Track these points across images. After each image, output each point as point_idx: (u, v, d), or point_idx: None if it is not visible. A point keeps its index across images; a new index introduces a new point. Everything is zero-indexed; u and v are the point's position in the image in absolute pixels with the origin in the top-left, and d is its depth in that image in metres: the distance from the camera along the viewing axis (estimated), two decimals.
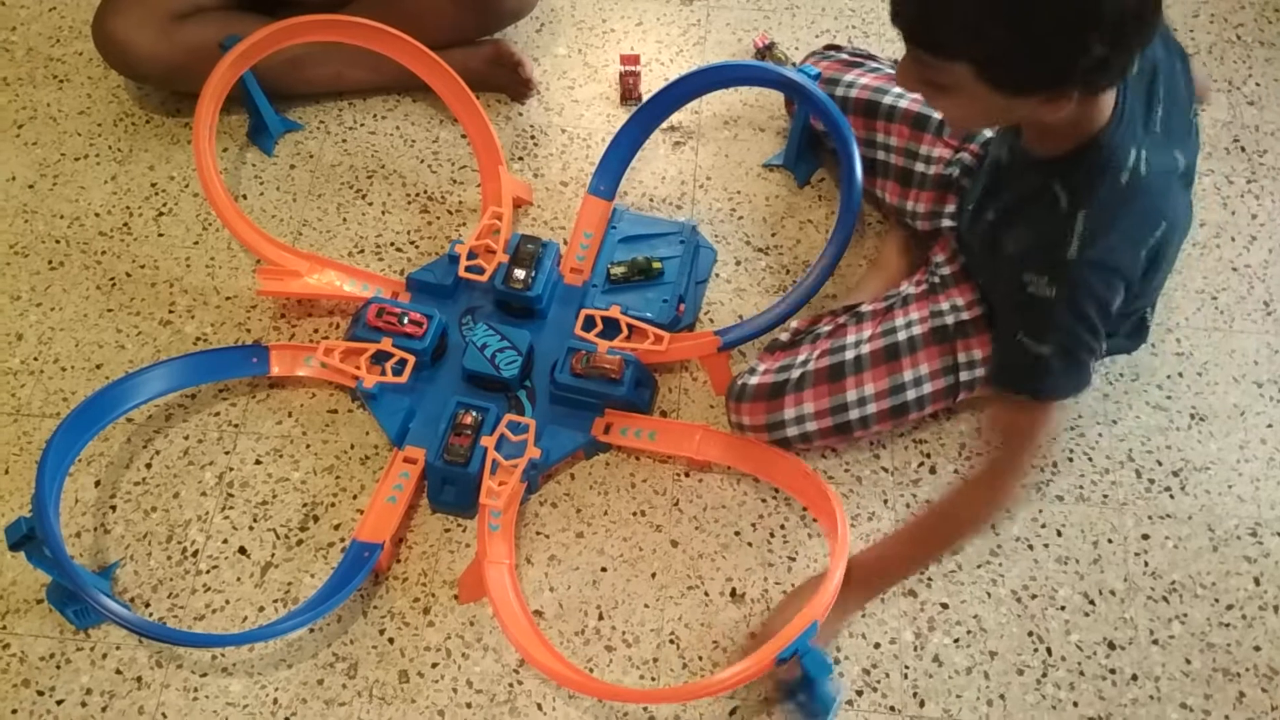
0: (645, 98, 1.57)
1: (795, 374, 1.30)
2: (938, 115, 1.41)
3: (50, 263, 1.53)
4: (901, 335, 1.29)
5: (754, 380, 1.31)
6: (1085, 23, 0.88)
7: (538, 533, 1.32)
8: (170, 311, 1.49)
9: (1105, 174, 1.02)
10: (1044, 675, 1.23)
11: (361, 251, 1.55)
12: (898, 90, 1.45)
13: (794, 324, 1.36)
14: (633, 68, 1.68)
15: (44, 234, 1.56)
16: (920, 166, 1.41)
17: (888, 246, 1.50)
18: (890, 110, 1.43)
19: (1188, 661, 1.24)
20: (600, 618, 1.26)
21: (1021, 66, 0.93)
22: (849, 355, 1.29)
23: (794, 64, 1.64)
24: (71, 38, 1.79)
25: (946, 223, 1.37)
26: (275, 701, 1.20)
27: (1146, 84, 1.07)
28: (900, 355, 1.28)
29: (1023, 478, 1.17)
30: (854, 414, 1.29)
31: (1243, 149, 1.67)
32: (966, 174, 1.35)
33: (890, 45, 1.78)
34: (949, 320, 1.29)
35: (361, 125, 1.69)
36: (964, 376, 1.29)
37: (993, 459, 1.18)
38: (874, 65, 1.51)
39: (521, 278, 1.43)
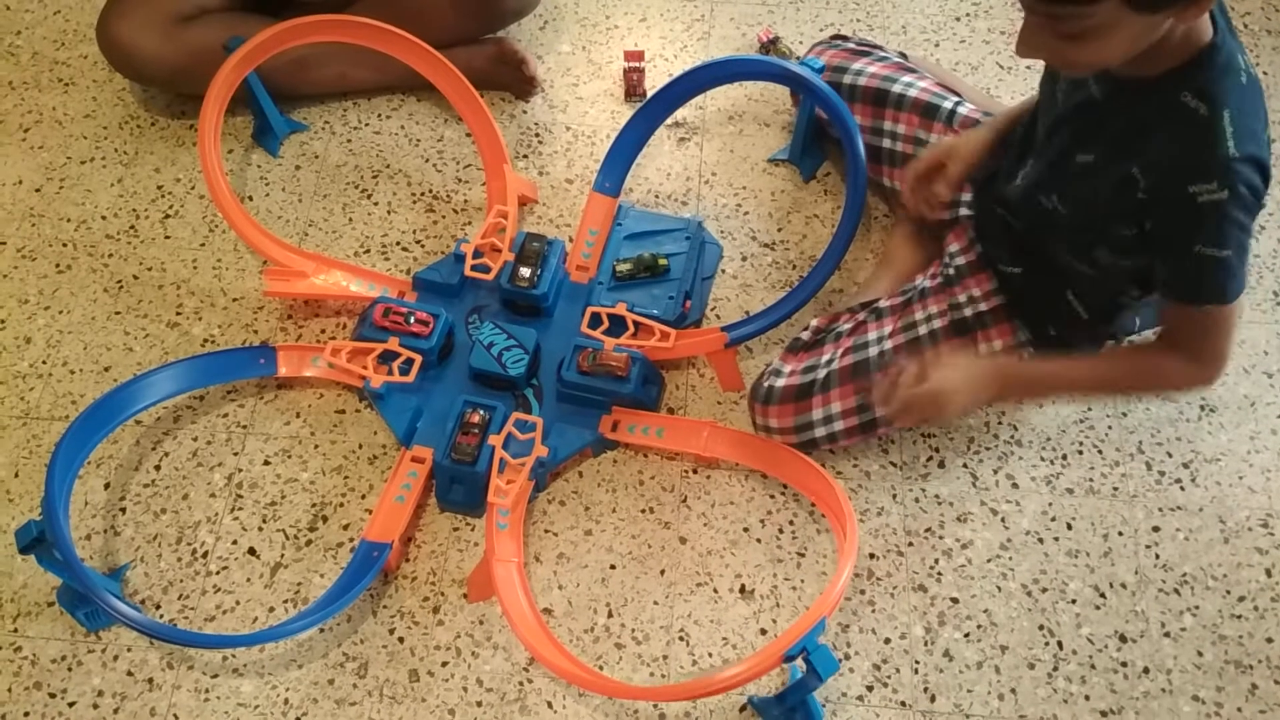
0: (649, 94, 1.57)
1: (821, 374, 1.29)
2: (948, 104, 1.40)
3: (58, 266, 1.54)
4: (922, 330, 1.29)
5: (781, 382, 1.31)
6: None
7: (546, 531, 1.32)
8: (178, 313, 1.49)
9: (1229, 75, 1.03)
10: (1055, 669, 1.23)
11: (367, 251, 1.55)
12: (907, 79, 1.44)
13: (814, 323, 1.36)
14: (636, 64, 1.67)
15: (51, 237, 1.57)
16: None
17: (895, 240, 1.49)
18: (900, 99, 1.43)
19: (1199, 654, 1.24)
20: (609, 615, 1.26)
21: None
22: (873, 352, 1.29)
23: (798, 58, 1.63)
24: (76, 41, 1.79)
25: (963, 210, 1.37)
26: (286, 701, 1.21)
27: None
28: (923, 349, 1.28)
29: (1214, 376, 1.18)
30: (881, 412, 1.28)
31: None
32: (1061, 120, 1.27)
33: (894, 38, 1.77)
34: (968, 312, 1.28)
35: (366, 125, 1.69)
36: None
37: (1188, 351, 1.16)
38: (881, 54, 1.51)
39: (527, 276, 1.43)
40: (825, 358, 1.31)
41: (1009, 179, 1.27)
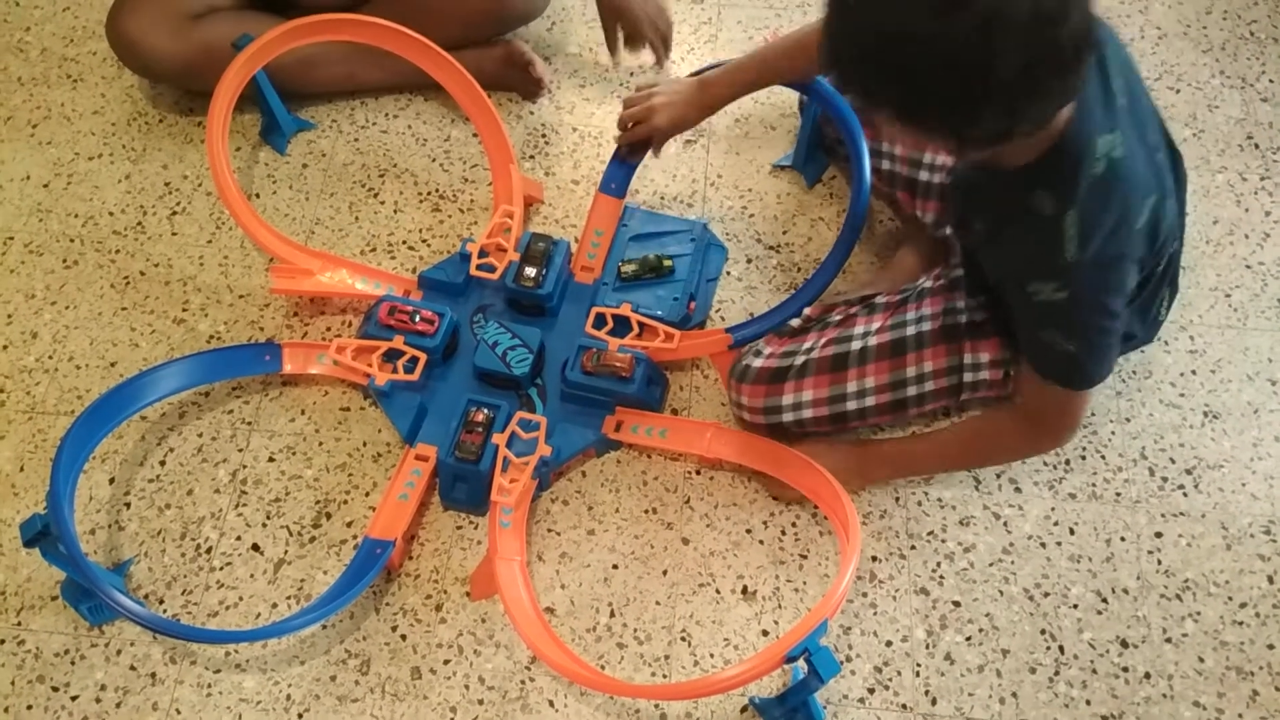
0: (671, 70, 1.55)
1: (799, 360, 1.29)
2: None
3: (65, 261, 1.54)
4: (910, 330, 1.28)
5: (758, 363, 1.31)
6: (972, 97, 0.87)
7: (549, 530, 1.32)
8: (184, 310, 1.49)
9: (1080, 169, 1.00)
10: (1056, 673, 1.23)
11: (374, 250, 1.55)
12: None
13: (807, 310, 1.36)
14: None
15: (58, 233, 1.57)
16: (924, 175, 1.39)
17: (906, 244, 1.49)
18: None
19: (1201, 660, 1.24)
20: (612, 615, 1.27)
21: (925, 126, 0.94)
22: (854, 346, 1.28)
23: None
24: (85, 38, 1.80)
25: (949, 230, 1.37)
26: (288, 698, 1.21)
27: (1097, 69, 1.03)
28: (906, 350, 1.27)
29: (1054, 446, 1.28)
30: (852, 405, 1.28)
31: (1256, 145, 1.66)
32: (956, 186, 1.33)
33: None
34: (961, 319, 1.27)
35: (373, 124, 1.69)
36: (968, 378, 1.27)
37: (1029, 414, 1.21)
38: None
39: (532, 276, 1.43)
40: (806, 345, 1.30)
41: (950, 221, 1.34)
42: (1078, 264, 1.02)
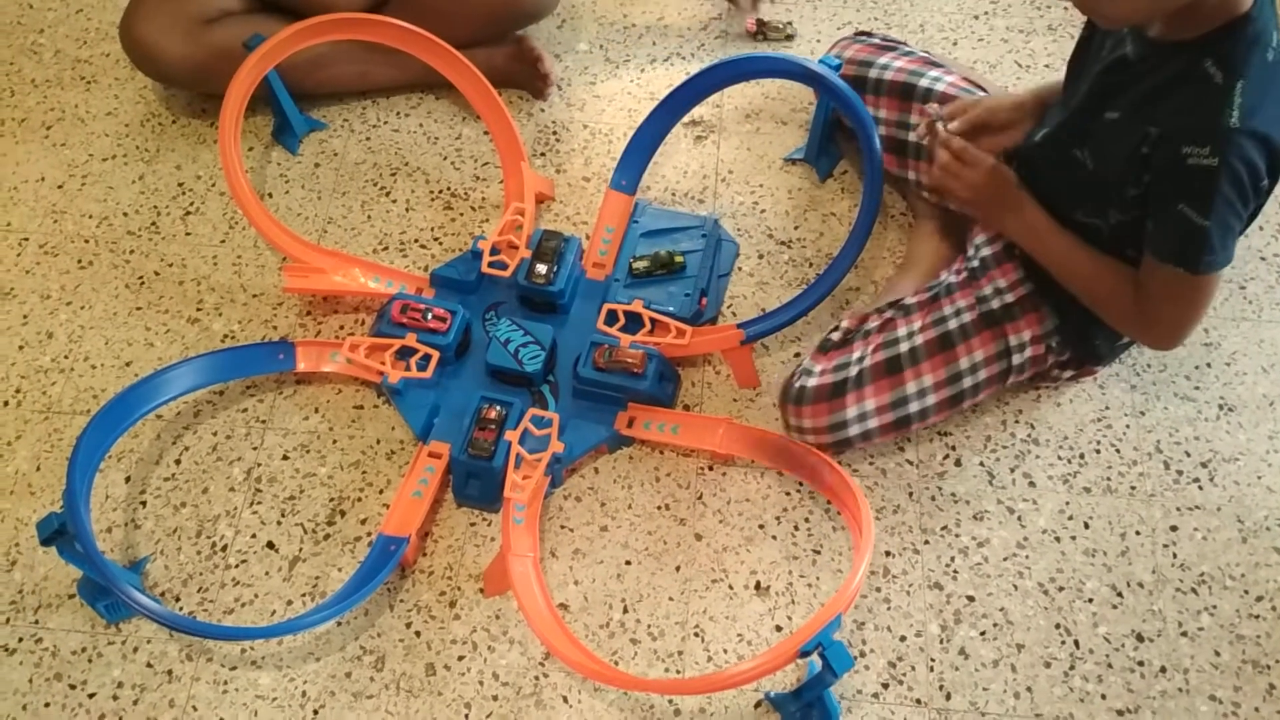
0: (673, 88, 1.55)
1: (853, 371, 1.29)
2: (976, 95, 1.40)
3: (79, 262, 1.55)
4: (953, 323, 1.29)
5: (813, 382, 1.31)
6: None
7: (562, 526, 1.32)
8: (198, 309, 1.50)
9: (1256, 48, 1.02)
10: (1072, 668, 1.22)
11: (386, 248, 1.56)
12: (934, 73, 1.44)
13: (844, 324, 1.36)
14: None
15: (73, 234, 1.58)
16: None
17: (917, 239, 1.50)
18: (927, 93, 1.43)
19: (1217, 654, 1.23)
20: (625, 611, 1.27)
21: None
22: (904, 348, 1.29)
23: (789, 35, 1.70)
24: (99, 39, 1.81)
25: None
26: (304, 694, 1.21)
27: None
28: (955, 343, 1.28)
29: (1162, 342, 1.22)
30: (914, 406, 1.29)
31: None
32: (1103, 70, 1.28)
33: (912, 36, 1.77)
34: (994, 304, 1.29)
35: (385, 123, 1.70)
36: (1015, 360, 1.30)
37: (1145, 299, 1.16)
38: (907, 49, 1.51)
39: (543, 273, 1.44)
40: (856, 355, 1.31)
41: (1030, 135, 1.29)
42: (1237, 131, 1.02)
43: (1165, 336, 1.21)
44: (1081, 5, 1.08)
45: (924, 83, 1.43)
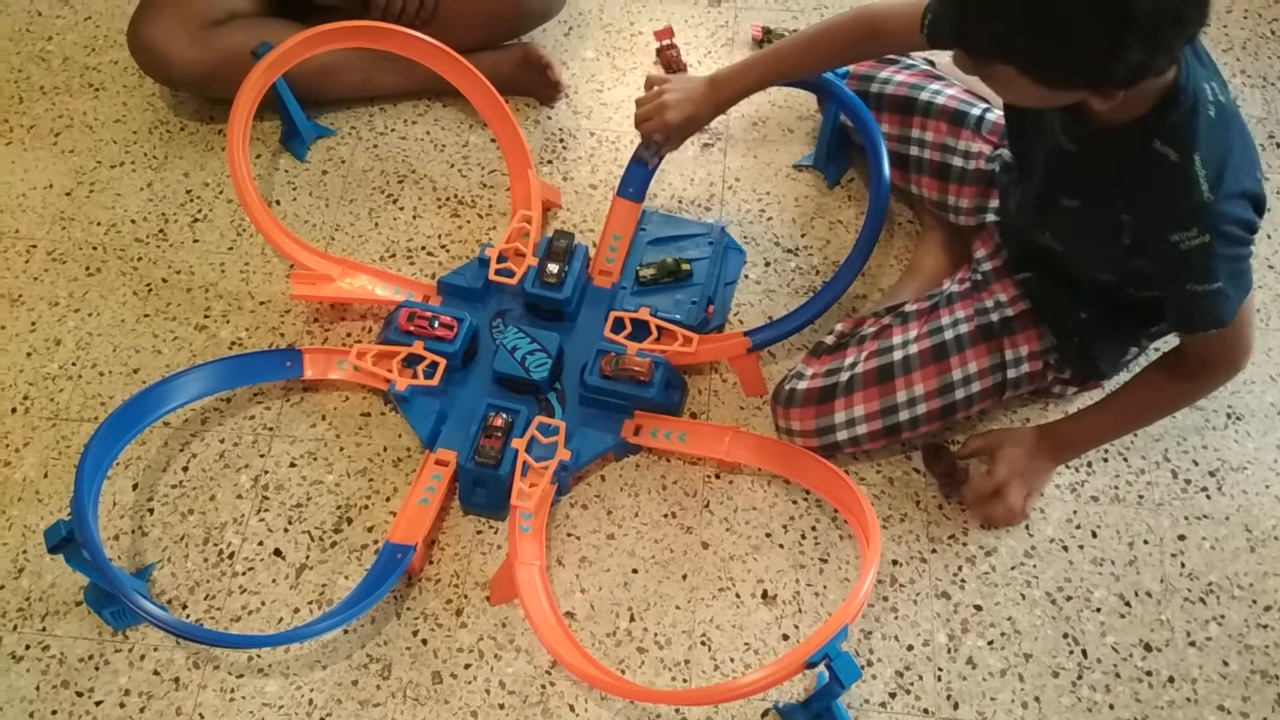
0: (689, 71, 1.55)
1: (844, 377, 1.30)
2: (976, 110, 1.40)
3: (87, 269, 1.55)
4: (949, 334, 1.29)
5: (803, 385, 1.31)
6: (1118, 30, 0.87)
7: (569, 534, 1.32)
8: (205, 316, 1.50)
9: (1196, 115, 1.01)
10: (1079, 677, 1.22)
11: (393, 256, 1.56)
12: (935, 86, 1.44)
13: (839, 327, 1.36)
14: (669, 40, 1.71)
15: (81, 241, 1.58)
16: (958, 161, 1.40)
17: (923, 247, 1.49)
18: (927, 106, 1.43)
19: (1225, 663, 1.23)
20: (631, 619, 1.27)
21: (1061, 71, 0.93)
22: (897, 356, 1.29)
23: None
24: (107, 47, 1.81)
25: (990, 216, 1.37)
26: (310, 702, 1.21)
27: None
28: (949, 354, 1.28)
29: (1235, 374, 1.20)
30: (904, 415, 1.29)
31: (1278, 145, 1.65)
32: (1006, 170, 1.33)
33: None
34: (994, 318, 1.29)
35: (392, 130, 1.70)
36: (1011, 374, 1.29)
37: (1203, 365, 1.17)
38: (908, 62, 1.51)
39: (555, 272, 1.43)
40: (849, 360, 1.31)
41: (1006, 200, 1.32)
42: (1214, 202, 1.01)
43: (1234, 371, 1.20)
44: (1094, 122, 1.06)
45: (924, 96, 1.44)
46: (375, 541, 1.32)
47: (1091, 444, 1.33)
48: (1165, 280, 1.09)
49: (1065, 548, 1.30)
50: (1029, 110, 1.14)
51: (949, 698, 1.21)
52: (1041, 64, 0.93)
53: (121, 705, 1.21)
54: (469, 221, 1.60)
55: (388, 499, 1.35)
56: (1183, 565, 1.29)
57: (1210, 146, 1.01)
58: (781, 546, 1.31)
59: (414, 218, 1.60)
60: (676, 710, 1.20)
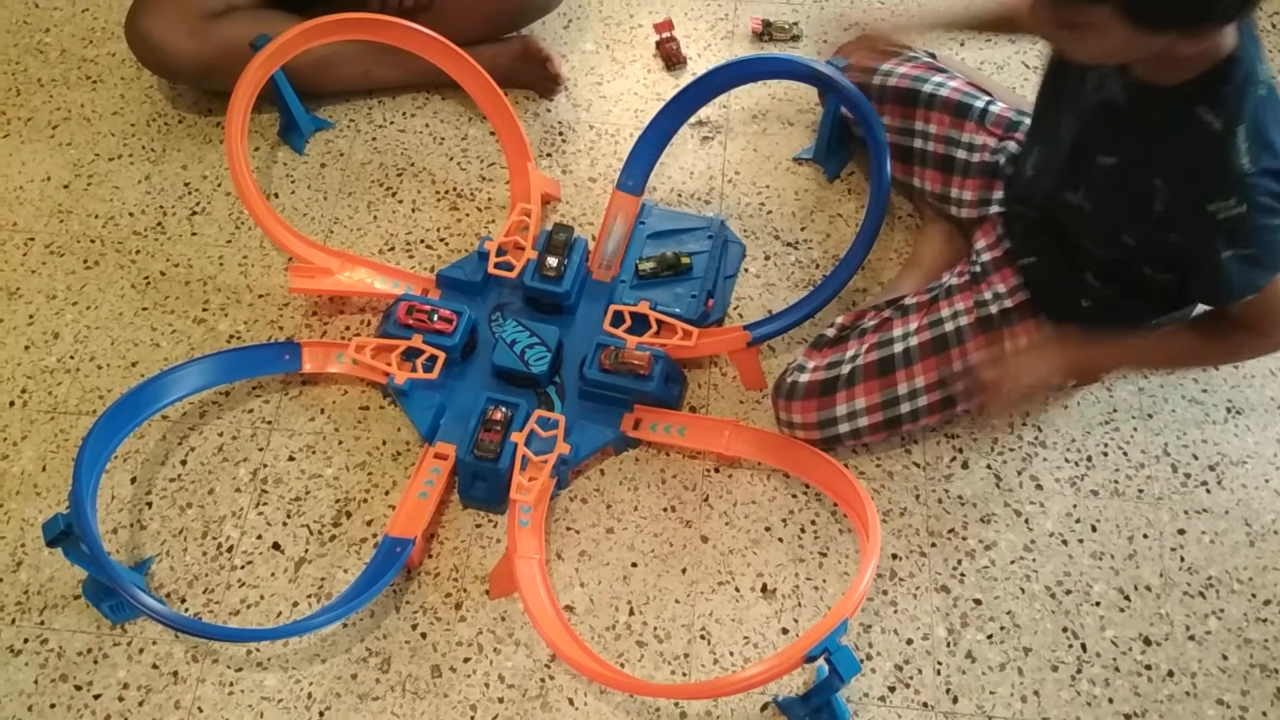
0: (689, 64, 1.54)
1: (845, 369, 1.30)
2: (980, 103, 1.40)
3: (85, 262, 1.55)
4: (949, 326, 1.29)
5: (804, 378, 1.31)
6: None
7: (568, 528, 1.32)
8: (204, 309, 1.50)
9: (1248, 88, 1.01)
10: (1079, 671, 1.22)
11: (392, 249, 1.56)
12: (937, 79, 1.44)
13: (839, 320, 1.36)
14: (669, 33, 1.70)
15: (79, 233, 1.58)
16: (961, 154, 1.40)
17: (923, 240, 1.49)
18: (930, 98, 1.42)
19: (1224, 657, 1.23)
20: (631, 613, 1.27)
21: (1168, 4, 0.93)
22: (898, 348, 1.29)
23: (796, 35, 1.69)
24: (104, 39, 1.81)
25: (994, 208, 1.36)
26: (309, 695, 1.21)
27: None
28: (949, 346, 1.28)
29: (1268, 346, 1.20)
30: (905, 407, 1.29)
31: None
32: (1012, 161, 1.33)
33: (919, 38, 1.76)
34: (993, 309, 1.29)
35: (391, 123, 1.69)
36: None
37: (1250, 326, 1.15)
38: (911, 54, 1.50)
39: (554, 265, 1.43)
40: (850, 353, 1.31)
41: (1021, 168, 1.29)
42: (1254, 174, 1.01)
43: (1268, 342, 1.19)
44: (1052, 43, 1.06)
45: (927, 88, 1.43)
46: (374, 535, 1.32)
47: (1134, 360, 1.30)
48: (1197, 249, 1.08)
49: (1065, 542, 1.30)
50: (1070, 72, 1.14)
51: (948, 691, 1.21)
52: (1139, 5, 0.92)
53: (120, 699, 1.21)
54: (468, 215, 1.59)
55: (387, 492, 1.35)
56: (1182, 559, 1.29)
57: (1256, 122, 1.01)
58: (781, 540, 1.31)
59: (413, 211, 1.60)
60: (676, 704, 1.20)
